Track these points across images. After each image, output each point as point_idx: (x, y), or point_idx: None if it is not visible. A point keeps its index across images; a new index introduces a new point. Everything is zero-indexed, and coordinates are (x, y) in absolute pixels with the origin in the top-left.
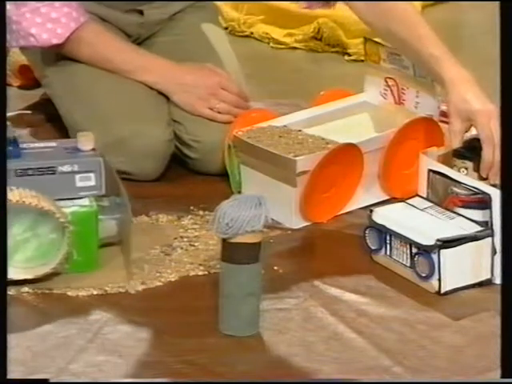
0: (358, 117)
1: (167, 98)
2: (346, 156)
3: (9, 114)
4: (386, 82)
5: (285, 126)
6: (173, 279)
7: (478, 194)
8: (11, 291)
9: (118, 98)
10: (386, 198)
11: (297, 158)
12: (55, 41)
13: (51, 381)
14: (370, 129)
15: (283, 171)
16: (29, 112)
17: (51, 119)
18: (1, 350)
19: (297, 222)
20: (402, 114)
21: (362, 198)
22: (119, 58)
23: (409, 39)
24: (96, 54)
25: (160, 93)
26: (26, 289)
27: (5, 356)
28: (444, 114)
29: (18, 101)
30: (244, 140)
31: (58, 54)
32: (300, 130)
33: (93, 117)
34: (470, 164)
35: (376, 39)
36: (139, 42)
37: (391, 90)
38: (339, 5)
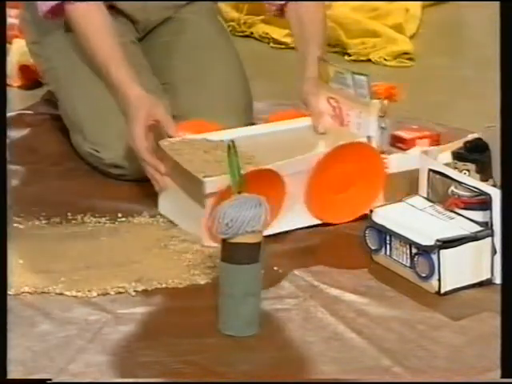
0: (296, 138)
1: (164, 95)
2: (263, 179)
3: (9, 115)
4: (329, 102)
5: (221, 140)
6: (172, 279)
7: (480, 194)
8: (11, 291)
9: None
10: (317, 222)
11: (205, 179)
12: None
13: (52, 381)
14: (300, 151)
15: (195, 190)
16: (29, 112)
17: (51, 119)
18: (1, 349)
19: (208, 241)
20: (337, 137)
21: (285, 220)
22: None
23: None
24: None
25: (160, 90)
26: (26, 289)
27: (5, 356)
28: (397, 138)
29: (17, 101)
30: (165, 150)
31: (64, 47)
32: None
33: (94, 110)
34: (471, 166)
35: (325, 57)
36: (146, 32)
37: (335, 111)
38: (339, 5)
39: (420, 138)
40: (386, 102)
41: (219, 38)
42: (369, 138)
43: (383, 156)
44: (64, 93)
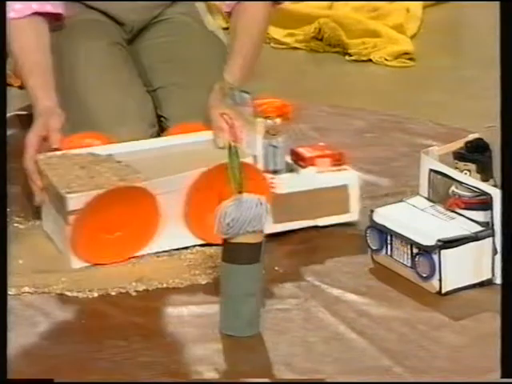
0: (193, 153)
1: (152, 98)
2: (133, 197)
3: (8, 114)
4: (223, 117)
5: (110, 155)
6: (173, 279)
7: (480, 195)
8: (11, 291)
9: (102, 98)
10: (199, 242)
11: (68, 195)
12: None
13: (52, 381)
14: (193, 167)
15: (61, 206)
16: (28, 112)
17: None
18: (1, 349)
19: (74, 262)
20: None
21: (164, 241)
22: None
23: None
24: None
25: (146, 93)
26: (26, 289)
27: (5, 356)
28: (298, 155)
29: (17, 101)
30: (39, 164)
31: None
32: (119, 162)
33: (78, 116)
34: (472, 166)
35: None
36: (135, 33)
37: (230, 128)
38: (339, 5)
39: (320, 156)
40: (278, 120)
41: (211, 39)
42: (255, 157)
43: (272, 176)
44: None
